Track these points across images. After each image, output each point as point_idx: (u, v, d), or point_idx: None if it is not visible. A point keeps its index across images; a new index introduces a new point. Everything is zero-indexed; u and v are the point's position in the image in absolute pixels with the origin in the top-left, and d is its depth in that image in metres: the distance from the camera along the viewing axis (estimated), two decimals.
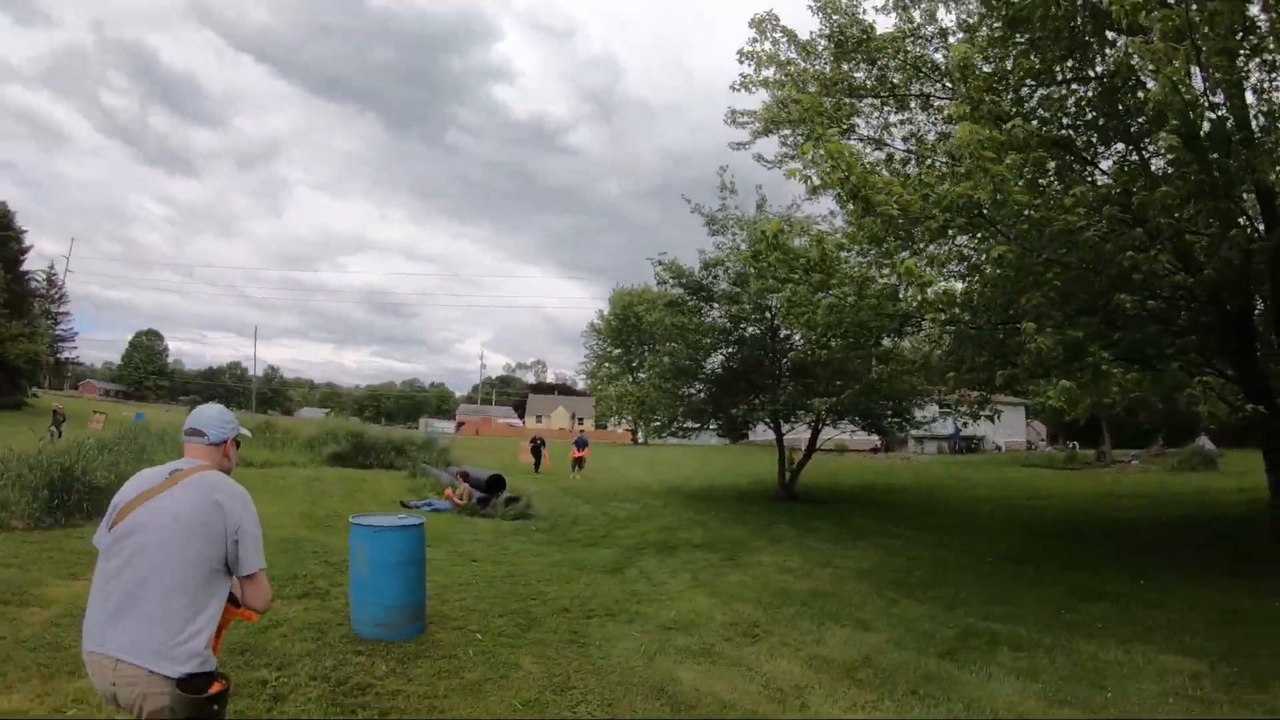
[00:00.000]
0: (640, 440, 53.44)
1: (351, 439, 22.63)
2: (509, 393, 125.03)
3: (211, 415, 2.99)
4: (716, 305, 16.73)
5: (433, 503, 14.13)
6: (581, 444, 24.86)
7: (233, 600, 2.77)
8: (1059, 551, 10.40)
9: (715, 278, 16.61)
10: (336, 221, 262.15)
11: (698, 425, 18.42)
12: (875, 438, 29.56)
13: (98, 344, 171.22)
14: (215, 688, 2.57)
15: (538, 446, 26.72)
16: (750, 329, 16.95)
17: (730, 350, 17.52)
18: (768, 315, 16.11)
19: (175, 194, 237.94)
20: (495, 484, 14.24)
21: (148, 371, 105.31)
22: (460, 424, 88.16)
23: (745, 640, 6.34)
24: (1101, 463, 28.01)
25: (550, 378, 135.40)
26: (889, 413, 16.93)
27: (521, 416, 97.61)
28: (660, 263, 16.47)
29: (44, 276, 72.31)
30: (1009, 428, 43.79)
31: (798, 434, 20.16)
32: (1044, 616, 6.97)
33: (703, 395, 18.35)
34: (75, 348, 72.06)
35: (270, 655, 5.37)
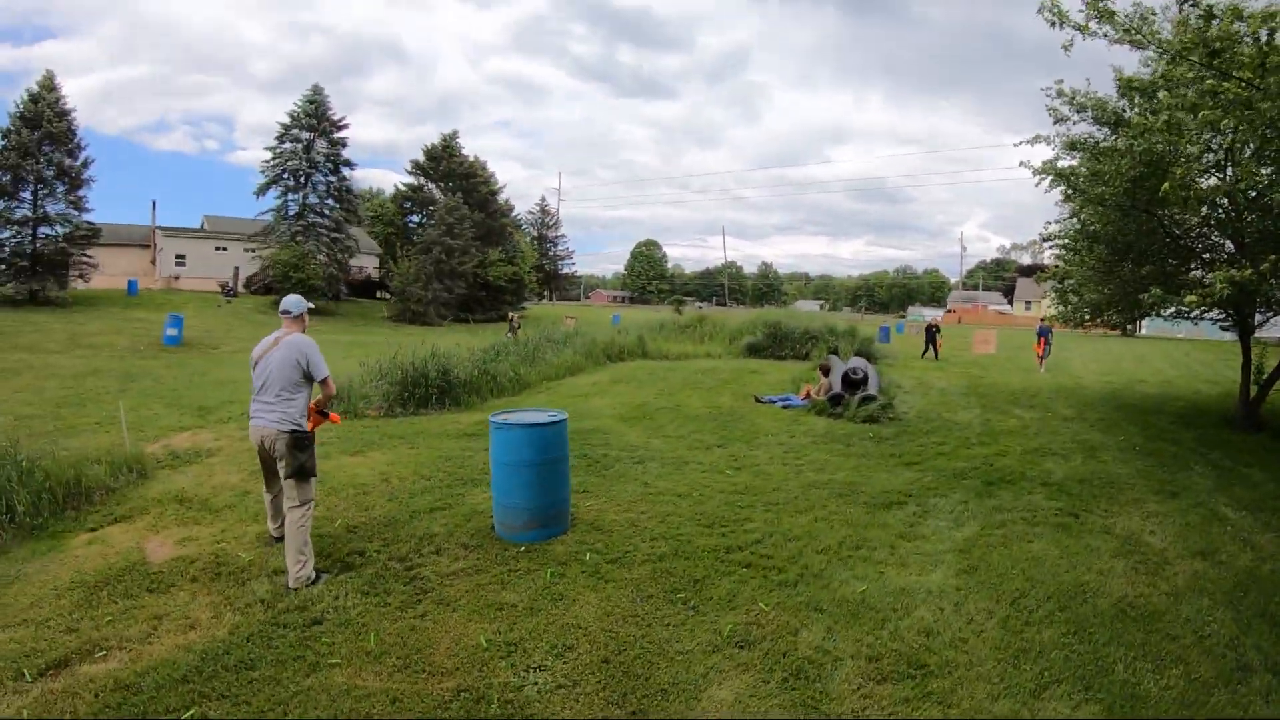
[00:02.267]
0: (1131, 331, 42.85)
1: (767, 329, 22.09)
2: (1003, 277, 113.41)
3: (293, 301, 5.32)
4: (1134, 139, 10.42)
5: (790, 398, 12.85)
6: (1044, 334, 21.69)
7: (322, 413, 5.51)
8: None
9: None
10: (813, 116, 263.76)
11: (1129, 313, 13.14)
12: None
13: (611, 258, 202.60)
14: (306, 436, 5.06)
15: (933, 333, 25.14)
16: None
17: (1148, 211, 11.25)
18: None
19: (656, 117, 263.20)
20: (850, 381, 12.10)
21: (649, 277, 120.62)
22: (950, 311, 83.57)
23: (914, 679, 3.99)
24: None
25: (1046, 259, 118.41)
26: None
27: (1010, 302, 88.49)
28: (1059, 92, 10.88)
29: (538, 208, 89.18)
30: None
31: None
32: None
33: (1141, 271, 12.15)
34: (574, 263, 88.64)
35: (398, 530, 6.04)
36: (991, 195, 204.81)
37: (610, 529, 6.03)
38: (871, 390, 11.93)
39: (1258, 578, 5.55)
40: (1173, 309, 11.25)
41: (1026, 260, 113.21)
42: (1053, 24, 8.85)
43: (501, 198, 57.18)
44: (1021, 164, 11.11)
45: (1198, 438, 10.96)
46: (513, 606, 4.62)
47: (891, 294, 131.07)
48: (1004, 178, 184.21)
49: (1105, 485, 7.98)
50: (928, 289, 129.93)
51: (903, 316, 79.58)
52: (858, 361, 14.24)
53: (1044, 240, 13.22)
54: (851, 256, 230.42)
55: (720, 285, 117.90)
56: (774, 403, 12.67)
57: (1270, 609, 4.97)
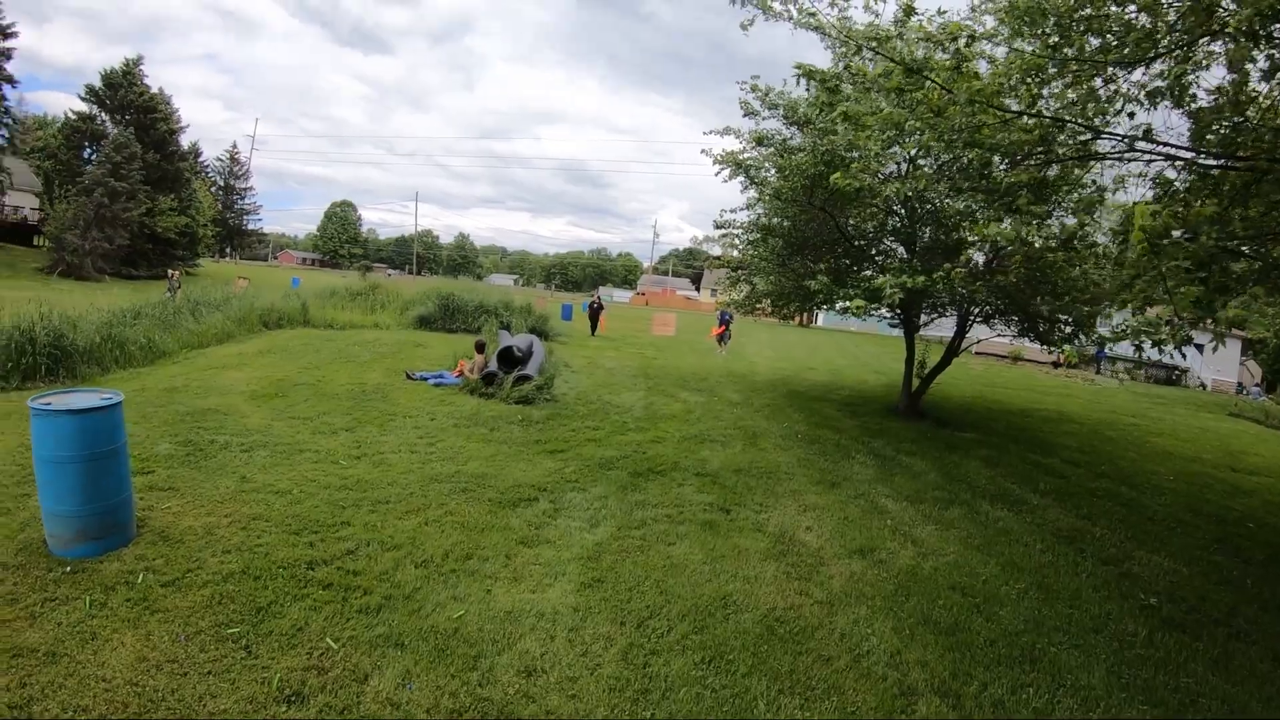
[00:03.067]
0: (812, 322, 48.97)
1: (440, 301, 21.25)
2: (693, 265, 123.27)
3: None
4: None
5: (444, 375, 12.22)
6: (723, 319, 24.22)
7: None
8: (1271, 589, 6.25)
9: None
10: (530, 93, 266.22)
11: (801, 303, 13.58)
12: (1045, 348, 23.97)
13: (305, 217, 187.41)
14: None
15: (596, 310, 26.65)
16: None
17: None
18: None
19: (372, 73, 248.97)
20: (509, 358, 11.83)
21: (342, 240, 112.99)
22: (639, 294, 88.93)
23: None
24: None
25: (736, 252, 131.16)
26: (1061, 318, 11.44)
27: (698, 288, 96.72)
28: (754, 87, 11.44)
29: (228, 155, 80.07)
30: (1218, 363, 36.16)
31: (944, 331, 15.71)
32: None
33: (820, 266, 13.16)
34: (261, 219, 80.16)
35: None
36: (690, 189, 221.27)
37: (181, 539, 4.94)
38: (530, 370, 11.74)
39: (919, 577, 5.50)
40: (842, 305, 10.99)
41: (716, 251, 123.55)
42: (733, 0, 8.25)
43: (187, 140, 49.43)
44: (703, 151, 11.50)
45: (861, 426, 11.58)
46: (33, 652, 3.56)
47: (585, 274, 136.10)
48: (704, 173, 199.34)
49: (763, 475, 8.02)
50: (621, 271, 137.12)
51: (593, 296, 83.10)
52: (523, 338, 14.06)
53: (717, 228, 13.59)
54: (551, 235, 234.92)
55: (413, 253, 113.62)
56: (426, 380, 11.97)
57: (934, 614, 4.87)
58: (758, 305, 14.48)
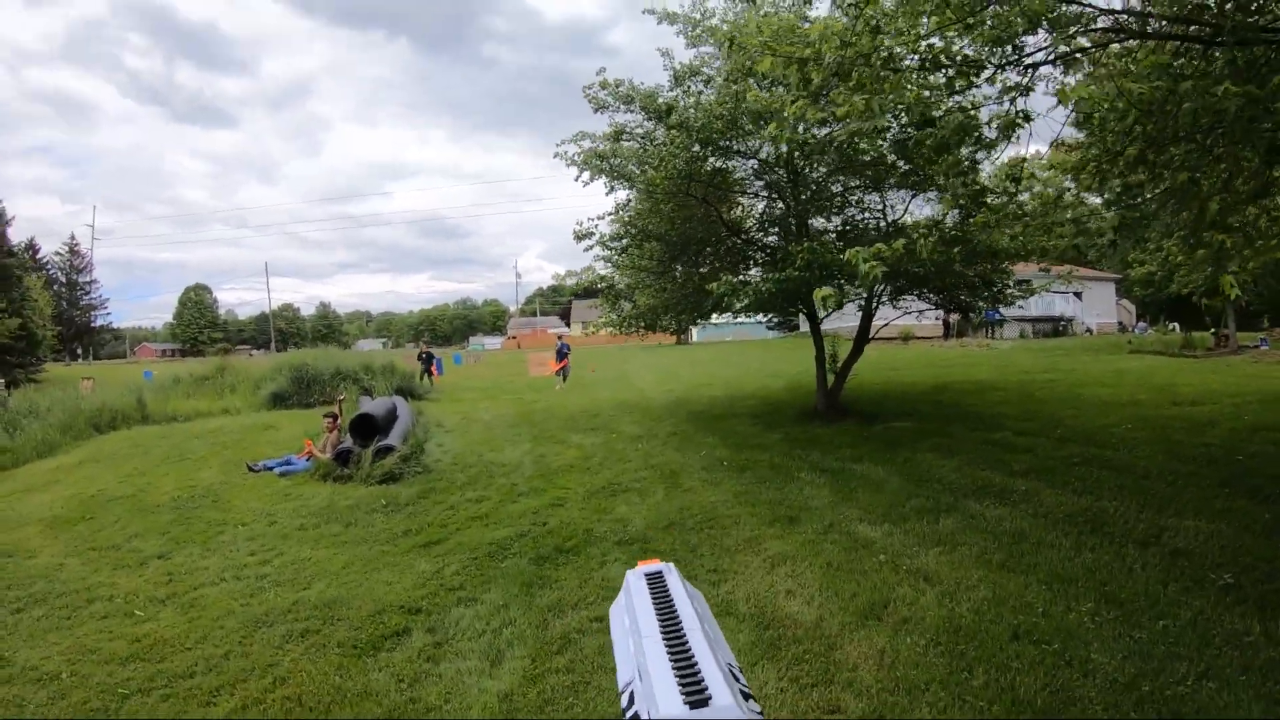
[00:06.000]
0: (685, 340, 48.37)
1: (292, 373, 19.02)
2: (559, 301, 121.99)
3: None
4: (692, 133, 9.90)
5: (291, 461, 10.12)
6: (562, 353, 23.29)
7: None
8: None
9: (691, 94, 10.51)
10: (376, 151, 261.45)
11: (690, 314, 12.49)
12: (938, 321, 24.15)
13: (160, 307, 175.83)
14: None
15: (426, 360, 23.92)
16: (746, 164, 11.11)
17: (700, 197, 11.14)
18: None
19: (213, 149, 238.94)
20: (366, 428, 10.08)
21: (199, 326, 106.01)
22: (511, 338, 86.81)
23: None
24: (1225, 347, 22.45)
25: (604, 267, 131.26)
26: (979, 285, 11.07)
27: (567, 324, 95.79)
28: (602, 84, 10.35)
29: (66, 248, 73.48)
30: (1097, 307, 38.34)
31: (842, 321, 14.87)
32: None
33: (703, 270, 12.35)
34: (110, 314, 73.56)
35: None
36: (547, 229, 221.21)
37: None
38: (394, 439, 9.90)
39: (965, 632, 4.06)
40: (822, 295, 10.41)
41: (579, 278, 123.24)
42: None
43: (20, 234, 43.91)
44: (556, 155, 10.32)
45: (787, 438, 10.24)
46: None
47: (454, 326, 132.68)
48: (559, 210, 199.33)
49: (702, 527, 6.40)
50: (489, 318, 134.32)
51: (463, 348, 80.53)
52: (382, 401, 12.31)
53: (578, 239, 11.84)
54: (414, 291, 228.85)
55: (277, 329, 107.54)
56: (271, 469, 9.86)
57: (1019, 688, 3.48)
58: (643, 326, 12.76)
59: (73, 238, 75.77)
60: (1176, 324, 33.52)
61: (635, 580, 1.25)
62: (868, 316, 11.73)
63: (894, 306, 12.01)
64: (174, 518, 7.84)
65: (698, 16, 10.08)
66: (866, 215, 11.73)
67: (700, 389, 18.42)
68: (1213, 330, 25.20)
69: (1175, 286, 22.64)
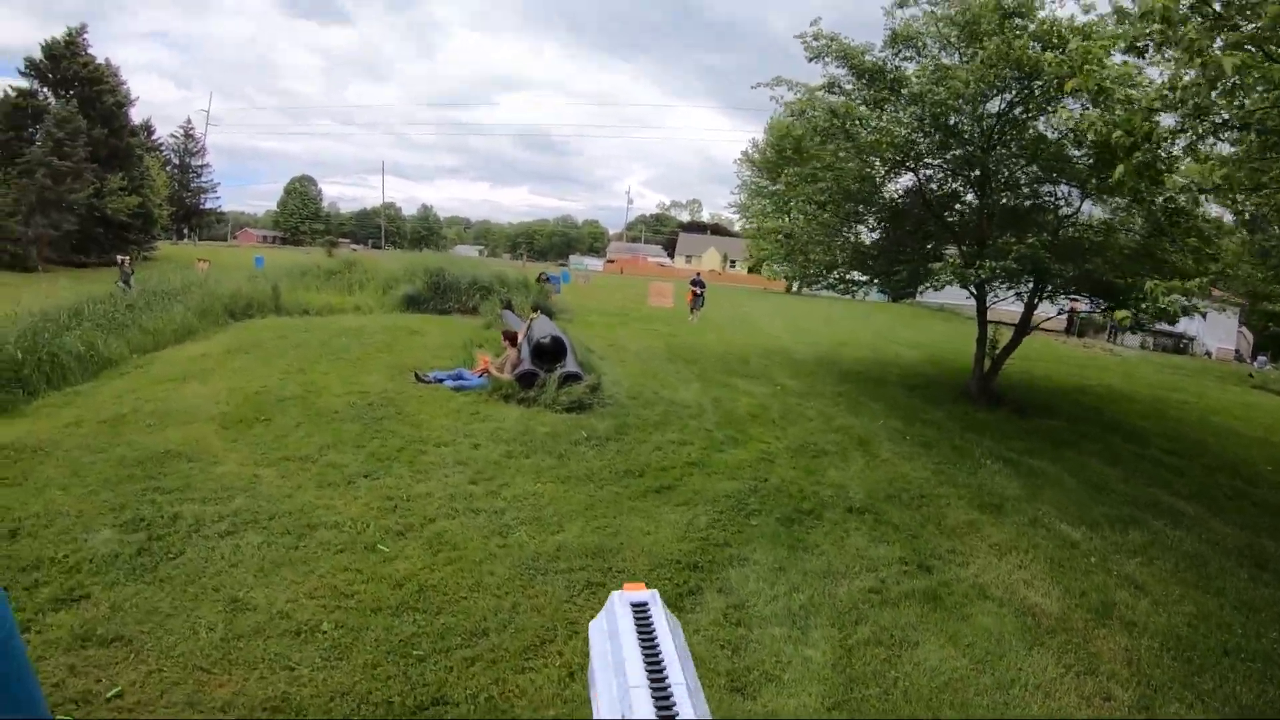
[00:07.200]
0: (795, 290, 47.06)
1: (429, 278, 18.62)
2: (662, 231, 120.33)
3: None
4: (902, 107, 10.09)
5: (464, 375, 9.68)
6: (697, 284, 23.10)
7: None
8: None
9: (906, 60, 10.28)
10: (489, 60, 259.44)
11: (865, 279, 12.65)
12: (1062, 315, 22.77)
13: (264, 195, 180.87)
14: None
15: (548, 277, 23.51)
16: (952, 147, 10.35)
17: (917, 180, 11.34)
18: (984, 121, 9.92)
19: (327, 44, 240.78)
20: (550, 351, 9.40)
21: (302, 217, 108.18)
22: (610, 261, 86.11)
23: None
24: None
25: (705, 217, 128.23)
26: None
27: (671, 256, 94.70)
28: (816, 35, 10.05)
29: (182, 132, 75.39)
30: (1219, 330, 35.60)
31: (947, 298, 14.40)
32: None
33: (879, 237, 12.61)
34: (219, 198, 75.89)
35: None
36: (653, 157, 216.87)
37: None
38: (572, 365, 9.30)
39: (1184, 642, 4.33)
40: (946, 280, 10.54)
41: (685, 217, 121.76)
42: None
43: (138, 116, 44.80)
44: (771, 99, 10.43)
45: (950, 417, 10.09)
46: None
47: (552, 242, 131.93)
48: (668, 140, 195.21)
49: (916, 503, 6.35)
50: (588, 239, 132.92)
51: (563, 265, 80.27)
52: (545, 324, 11.65)
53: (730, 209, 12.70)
54: (514, 204, 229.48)
55: (377, 226, 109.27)
56: (443, 382, 9.36)
57: (1241, 698, 3.68)
58: (821, 275, 13.22)
59: (188, 121, 78.48)
60: None
61: (620, 606, 1.31)
62: (1029, 308, 11.59)
63: (1051, 302, 12.02)
64: (361, 429, 7.35)
65: None
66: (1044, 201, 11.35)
67: (841, 348, 17.97)
68: None
69: None
